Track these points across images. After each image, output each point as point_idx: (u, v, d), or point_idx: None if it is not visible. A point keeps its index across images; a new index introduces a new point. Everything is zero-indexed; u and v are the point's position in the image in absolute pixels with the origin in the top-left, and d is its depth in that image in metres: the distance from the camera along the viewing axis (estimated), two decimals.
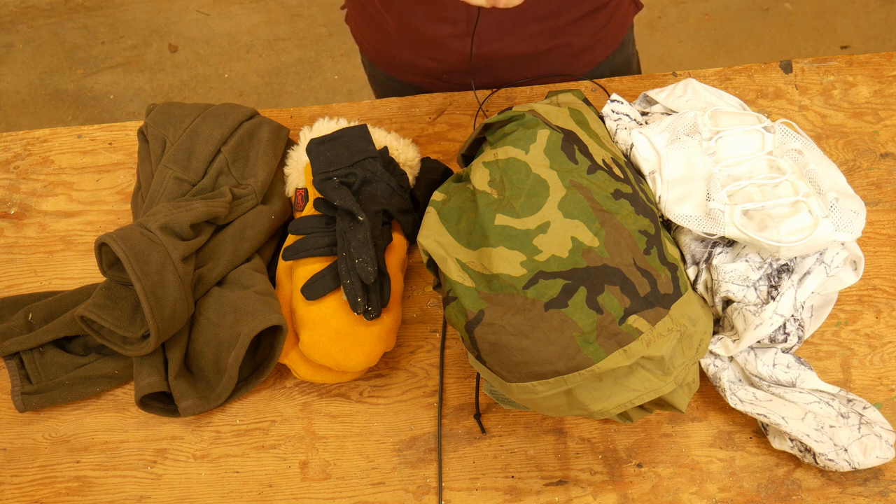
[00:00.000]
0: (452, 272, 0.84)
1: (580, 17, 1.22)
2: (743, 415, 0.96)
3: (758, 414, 0.91)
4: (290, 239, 1.02)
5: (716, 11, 2.61)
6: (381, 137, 1.08)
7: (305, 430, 0.99)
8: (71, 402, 1.01)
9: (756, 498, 0.92)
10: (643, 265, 0.84)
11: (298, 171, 1.08)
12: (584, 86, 1.20)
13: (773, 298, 0.91)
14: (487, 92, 1.20)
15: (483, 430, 0.97)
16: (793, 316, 0.94)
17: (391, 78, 1.34)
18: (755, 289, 0.92)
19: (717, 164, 0.95)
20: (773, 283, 0.92)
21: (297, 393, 1.01)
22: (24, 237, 1.13)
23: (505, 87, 1.21)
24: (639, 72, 1.41)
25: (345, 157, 1.02)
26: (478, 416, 0.97)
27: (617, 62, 1.32)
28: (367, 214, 0.99)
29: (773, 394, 0.94)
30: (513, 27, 1.19)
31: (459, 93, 1.20)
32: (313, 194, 1.04)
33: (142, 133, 1.11)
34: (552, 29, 1.21)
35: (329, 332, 0.95)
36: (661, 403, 0.86)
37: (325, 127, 1.08)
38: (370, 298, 0.96)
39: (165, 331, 0.95)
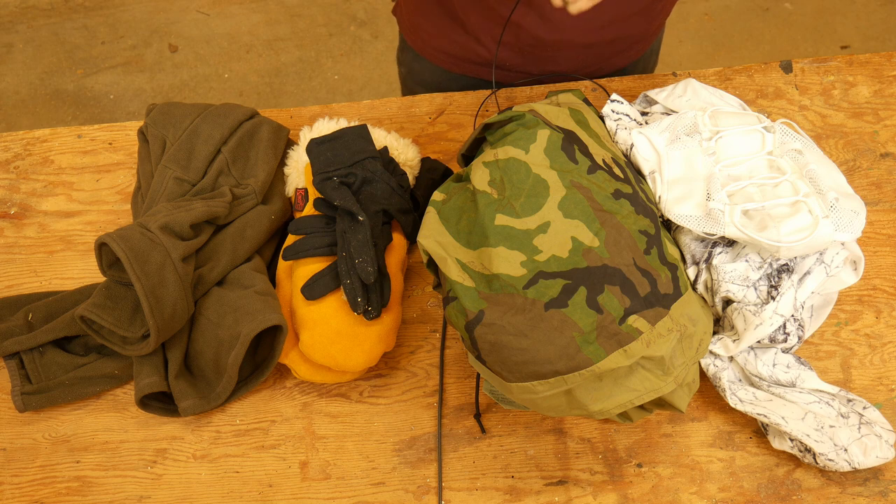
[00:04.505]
0: (452, 272, 0.84)
1: (643, 8, 1.23)
2: (743, 415, 0.96)
3: (758, 414, 0.91)
4: (290, 239, 1.02)
5: (716, 11, 2.62)
6: (381, 137, 1.08)
7: (305, 430, 0.99)
8: (71, 402, 1.01)
9: (756, 498, 0.92)
10: (643, 265, 0.84)
11: (298, 171, 1.08)
12: (584, 86, 1.20)
13: (773, 298, 0.91)
14: (487, 91, 1.20)
15: (483, 430, 0.97)
16: (793, 316, 0.94)
17: (441, 70, 1.33)
18: (755, 289, 0.92)
19: (717, 164, 0.95)
20: (773, 283, 0.92)
21: (297, 393, 1.01)
22: (24, 237, 1.13)
23: (505, 88, 1.21)
24: (656, 61, 1.44)
25: (345, 157, 1.02)
26: (478, 416, 0.97)
27: (654, 49, 1.38)
28: (367, 214, 0.99)
29: (773, 394, 0.94)
30: (590, 15, 1.19)
31: (460, 93, 1.20)
32: (313, 194, 1.04)
33: (142, 133, 1.11)
34: (622, 17, 1.22)
35: (329, 332, 0.95)
36: (661, 403, 0.86)
37: (325, 127, 1.08)
38: (370, 298, 0.96)
39: (165, 331, 0.95)
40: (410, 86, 1.43)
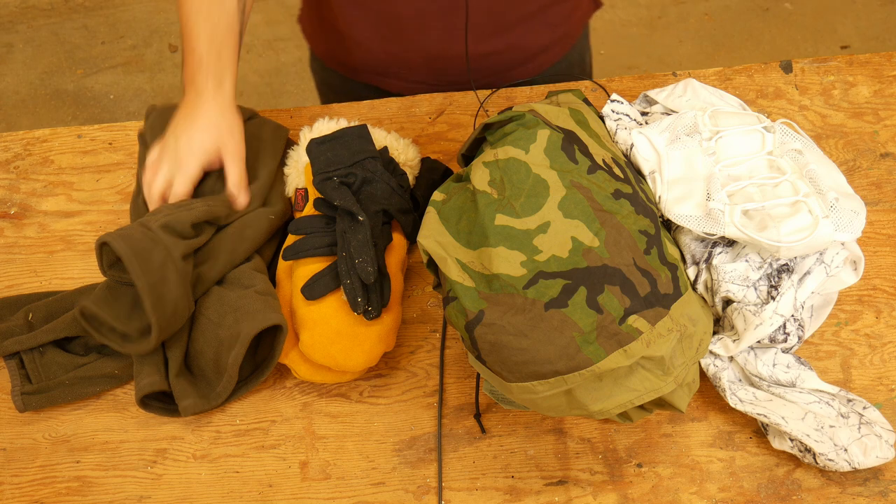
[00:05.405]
0: (452, 272, 0.84)
1: (532, 12, 1.20)
2: (743, 415, 0.96)
3: (758, 414, 0.91)
4: (290, 239, 1.02)
5: (716, 11, 2.62)
6: (381, 137, 1.08)
7: (305, 430, 0.99)
8: (71, 401, 1.01)
9: (756, 498, 0.92)
10: (643, 265, 0.84)
11: (298, 171, 1.08)
12: (584, 86, 1.20)
13: (773, 298, 0.91)
14: (488, 92, 1.20)
15: (483, 430, 0.97)
16: (793, 316, 0.94)
17: (346, 79, 1.32)
18: (755, 289, 0.92)
19: (717, 164, 0.96)
20: (773, 283, 0.92)
21: (297, 393, 1.01)
22: (24, 237, 1.13)
23: (505, 87, 1.21)
24: (591, 65, 1.40)
25: (345, 157, 1.02)
26: (478, 416, 0.97)
27: (572, 58, 1.33)
28: (367, 214, 0.99)
29: (773, 394, 0.94)
30: (465, 25, 1.18)
31: (460, 93, 1.20)
32: (313, 194, 1.04)
33: (142, 136, 1.11)
34: (504, 26, 1.20)
35: (329, 332, 0.95)
36: (661, 403, 0.86)
37: (325, 127, 1.08)
38: (370, 298, 0.96)
39: (166, 329, 0.95)
40: (324, 92, 1.41)
